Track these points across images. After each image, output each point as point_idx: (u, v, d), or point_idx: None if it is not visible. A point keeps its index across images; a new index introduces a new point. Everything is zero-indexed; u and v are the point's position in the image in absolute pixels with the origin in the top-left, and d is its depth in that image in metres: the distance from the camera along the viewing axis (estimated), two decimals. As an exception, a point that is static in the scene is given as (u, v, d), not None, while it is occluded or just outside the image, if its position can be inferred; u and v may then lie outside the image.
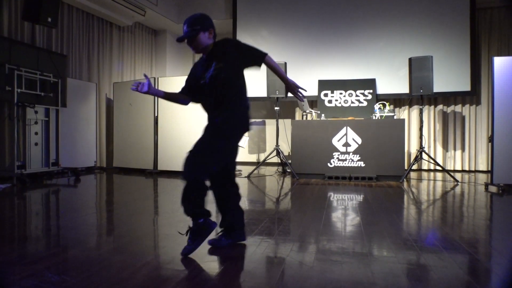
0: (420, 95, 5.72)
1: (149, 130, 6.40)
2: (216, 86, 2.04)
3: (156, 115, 6.35)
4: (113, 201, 4.03)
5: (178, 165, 6.17)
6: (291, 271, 1.86)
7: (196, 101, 2.28)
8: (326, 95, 7.02)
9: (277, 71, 2.18)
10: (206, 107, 2.17)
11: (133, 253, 2.09)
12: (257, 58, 2.11)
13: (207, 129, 2.10)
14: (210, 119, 2.12)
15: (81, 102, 6.45)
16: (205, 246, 2.22)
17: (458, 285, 1.68)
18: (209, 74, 2.06)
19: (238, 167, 6.72)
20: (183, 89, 2.25)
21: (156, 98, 6.33)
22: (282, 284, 1.69)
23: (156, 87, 6.33)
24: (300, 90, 2.21)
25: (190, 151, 2.02)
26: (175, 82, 6.26)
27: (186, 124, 6.07)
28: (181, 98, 2.26)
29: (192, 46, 2.10)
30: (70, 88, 6.11)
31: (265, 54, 2.12)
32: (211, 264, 1.95)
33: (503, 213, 3.50)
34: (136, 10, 6.90)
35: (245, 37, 7.68)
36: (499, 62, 4.57)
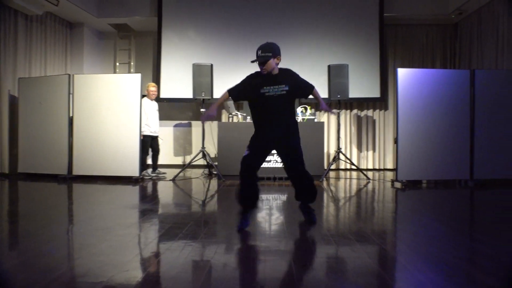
0: (337, 100, 6.16)
1: (62, 131, 5.85)
2: (281, 103, 2.70)
3: (71, 115, 5.84)
4: (17, 211, 3.59)
5: (96, 169, 5.77)
6: (215, 273, 1.86)
7: (237, 99, 2.91)
8: (252, 98, 7.15)
9: (319, 100, 2.90)
10: (269, 112, 2.72)
11: (41, 269, 1.89)
12: (308, 89, 2.85)
13: (289, 136, 2.78)
14: (275, 122, 2.73)
15: (-22, 99, 5.65)
16: (124, 254, 2.10)
17: (367, 273, 1.85)
18: (277, 92, 2.68)
19: (162, 170, 6.52)
20: (234, 93, 2.77)
21: (71, 96, 5.82)
22: (207, 287, 1.68)
23: (72, 85, 5.82)
24: (329, 110, 2.96)
25: (295, 156, 2.83)
26: (93, 80, 5.82)
27: (106, 126, 5.68)
28: (225, 97, 2.82)
29: (263, 67, 2.65)
30: (-37, 83, 5.31)
31: (313, 87, 2.88)
32: (131, 273, 1.85)
33: (405, 206, 3.94)
34: (47, -1, 6.25)
35: (171, 37, 7.48)
36: (402, 73, 5.14)
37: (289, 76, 2.76)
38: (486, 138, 5.16)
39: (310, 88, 2.85)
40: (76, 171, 5.76)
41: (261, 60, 2.61)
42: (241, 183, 2.70)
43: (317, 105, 7.60)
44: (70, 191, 4.77)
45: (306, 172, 2.83)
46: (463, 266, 1.97)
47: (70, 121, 5.82)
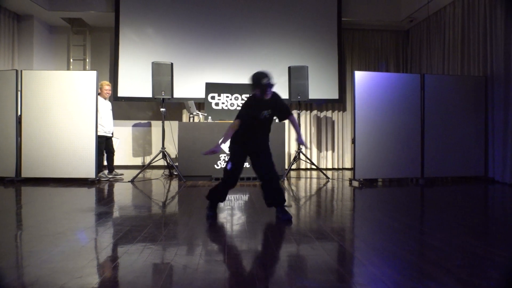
0: (298, 101, 6.29)
1: (9, 130, 5.46)
2: (267, 123, 3.10)
3: (19, 113, 5.46)
4: (-43, 217, 3.30)
5: (47, 171, 5.44)
6: (175, 276, 1.83)
7: (248, 125, 3.02)
8: (213, 97, 7.12)
9: (296, 128, 3.22)
10: (256, 131, 3.07)
11: (-16, 278, 1.75)
12: (285, 114, 3.13)
13: (265, 147, 3.16)
14: (259, 139, 3.12)
15: None
16: (77, 260, 2.00)
17: (326, 270, 1.90)
18: (267, 114, 3.02)
19: (120, 171, 6.29)
20: (245, 118, 2.97)
21: (19, 93, 5.45)
22: (166, 291, 1.64)
23: (20, 81, 5.45)
24: (303, 144, 3.28)
25: (270, 161, 3.11)
26: (44, 77, 5.49)
27: (58, 125, 5.38)
28: (237, 125, 2.99)
29: (269, 92, 2.96)
30: None
31: (290, 113, 3.17)
32: (85, 279, 1.77)
33: (362, 204, 4.10)
34: (-9, -11, 5.82)
35: (129, 34, 7.24)
36: (359, 75, 5.35)
37: (277, 100, 3.05)
38: (435, 138, 5.51)
39: (287, 113, 3.15)
40: (25, 173, 5.40)
41: (272, 86, 2.97)
42: (223, 188, 3.10)
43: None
44: (18, 194, 4.46)
45: (276, 173, 3.14)
46: (413, 259, 2.09)
47: (19, 120, 5.45)
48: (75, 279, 1.75)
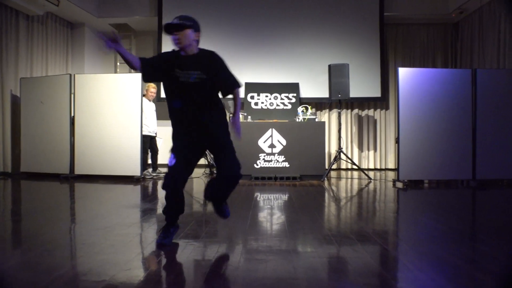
0: (338, 99, 6.16)
1: (64, 131, 5.86)
2: (200, 90, 2.16)
3: (72, 114, 5.85)
4: (20, 210, 3.61)
5: (97, 168, 5.77)
6: (217, 273, 1.86)
7: (147, 77, 2.20)
8: (252, 97, 7.17)
9: (236, 105, 2.36)
10: (188, 104, 2.18)
11: (44, 267, 1.89)
12: (229, 87, 2.28)
13: (213, 127, 2.24)
14: (193, 114, 2.19)
15: (-21, 99, 5.66)
16: (126, 253, 2.11)
17: (369, 273, 1.85)
18: (192, 78, 2.12)
19: (163, 170, 6.52)
20: (144, 60, 2.15)
21: (72, 96, 5.83)
22: (208, 287, 1.68)
23: (73, 85, 5.83)
24: (236, 132, 2.35)
25: (228, 150, 2.28)
26: (94, 80, 5.83)
27: (107, 125, 5.70)
28: (135, 61, 2.11)
29: (177, 37, 2.10)
30: (-35, 83, 5.32)
31: (238, 86, 2.29)
32: (133, 272, 1.85)
33: (407, 206, 3.93)
34: (48, -1, 6.26)
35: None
36: (403, 72, 5.14)
37: (211, 61, 2.18)
38: (489, 137, 5.15)
39: (232, 86, 2.25)
40: (78, 171, 5.77)
41: (175, 26, 2.06)
42: (166, 197, 2.29)
43: (317, 105, 7.64)
44: (72, 190, 4.78)
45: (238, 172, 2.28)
46: (465, 266, 1.97)
47: (72, 120, 5.84)
48: (124, 271, 1.84)
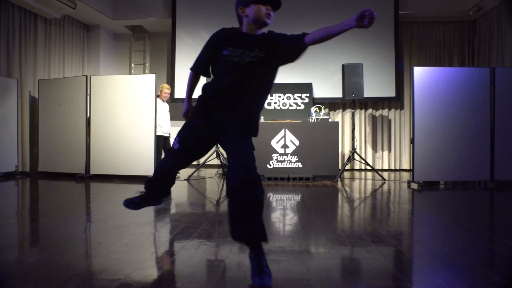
0: (352, 99, 6.10)
1: (80, 131, 5.98)
2: (255, 75, 1.78)
3: (88, 115, 5.96)
4: (38, 208, 3.69)
5: (112, 168, 5.87)
6: (230, 273, 1.87)
7: (206, 75, 1.95)
8: (265, 97, 7.16)
9: (326, 28, 1.74)
10: (233, 86, 1.78)
11: (61, 265, 1.94)
12: (298, 37, 1.77)
13: (243, 128, 1.81)
14: (237, 103, 1.79)
15: None
16: (140, 252, 2.13)
17: (383, 275, 1.82)
18: (248, 57, 1.76)
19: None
20: (201, 68, 1.91)
21: (88, 97, 5.94)
22: (221, 287, 1.69)
23: (89, 86, 5.94)
24: (368, 14, 1.70)
25: (244, 161, 1.75)
26: (110, 81, 5.93)
27: (121, 126, 5.79)
28: (193, 81, 1.98)
29: (272, 13, 1.84)
30: (-14, 85, 5.49)
31: (304, 35, 1.75)
32: (147, 271, 1.88)
33: (422, 207, 3.87)
34: (65, 2, 6.40)
35: (185, 38, 7.55)
36: (418, 71, 5.05)
37: (272, 37, 1.84)
38: (508, 138, 5.01)
39: (300, 35, 1.77)
40: (93, 170, 5.88)
41: (277, 2, 1.86)
42: (153, 178, 2.09)
43: (331, 105, 7.58)
44: (87, 190, 4.87)
45: (258, 181, 1.77)
46: (481, 269, 1.92)
47: (88, 121, 5.95)
48: (138, 270, 1.87)
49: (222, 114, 1.81)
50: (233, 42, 1.79)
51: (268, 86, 1.88)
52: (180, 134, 1.92)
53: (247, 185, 1.70)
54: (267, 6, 1.81)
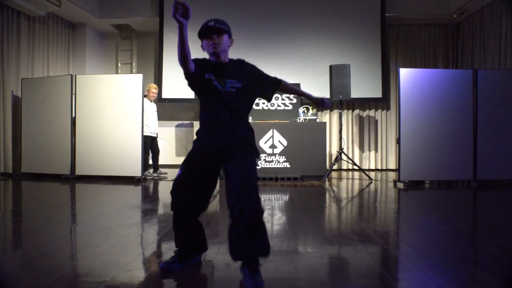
0: (339, 100, 6.15)
1: (65, 131, 5.87)
2: (234, 102, 1.85)
3: (73, 115, 5.85)
4: (21, 210, 3.61)
5: (98, 169, 5.78)
6: (218, 273, 1.86)
7: (193, 86, 1.94)
8: (254, 98, 7.17)
9: (296, 89, 2.19)
10: (218, 114, 1.86)
11: (45, 268, 1.90)
12: (275, 83, 2.05)
13: (241, 150, 1.88)
14: (225, 130, 1.85)
15: (-19, 100, 5.68)
16: (127, 254, 2.11)
17: (370, 274, 1.85)
18: (227, 87, 1.84)
19: (164, 170, 6.52)
20: (194, 60, 1.86)
21: (73, 97, 5.84)
22: (209, 287, 1.68)
23: (74, 85, 5.84)
24: (325, 100, 2.17)
25: (244, 179, 1.80)
26: (96, 81, 5.84)
27: (108, 126, 5.70)
28: (190, 60, 1.80)
29: (214, 42, 1.84)
30: (-33, 83, 5.34)
31: (281, 79, 2.05)
32: (133, 273, 1.86)
33: (408, 206, 3.93)
34: (49, 0, 6.28)
35: (173, 37, 7.50)
36: (404, 73, 5.13)
37: (246, 69, 1.95)
38: (490, 138, 5.14)
39: (277, 80, 2.05)
40: (79, 171, 5.78)
41: (216, 30, 1.84)
42: (174, 221, 1.92)
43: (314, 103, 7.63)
44: (73, 191, 4.78)
45: (257, 205, 1.80)
46: (466, 267, 1.97)
47: (73, 121, 5.85)
48: (124, 272, 1.84)
49: (219, 142, 1.87)
50: (213, 71, 1.86)
51: (247, 110, 1.98)
52: (183, 163, 1.91)
53: (247, 206, 1.75)
54: (209, 37, 1.87)
